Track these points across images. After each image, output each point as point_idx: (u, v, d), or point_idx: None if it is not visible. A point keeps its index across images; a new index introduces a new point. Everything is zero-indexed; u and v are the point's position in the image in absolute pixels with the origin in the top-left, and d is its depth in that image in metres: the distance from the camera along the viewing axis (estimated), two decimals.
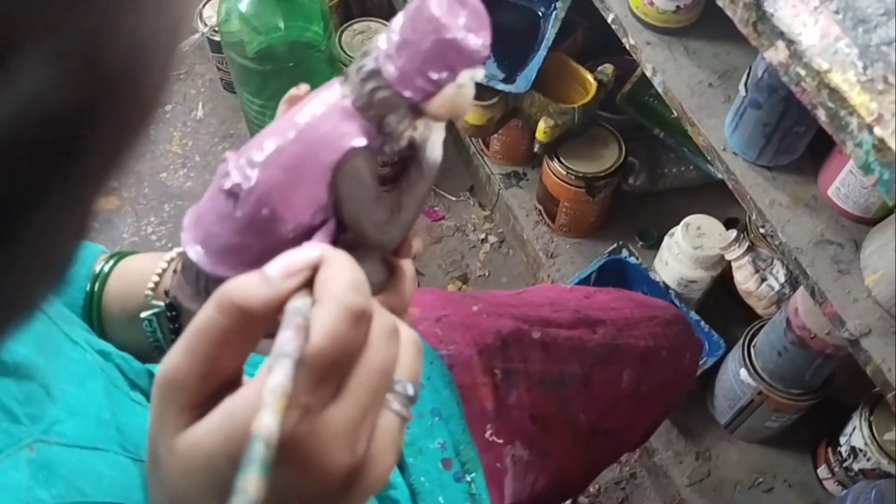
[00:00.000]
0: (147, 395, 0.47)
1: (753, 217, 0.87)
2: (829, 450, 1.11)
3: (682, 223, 1.18)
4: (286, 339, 0.27)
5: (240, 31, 1.36)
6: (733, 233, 1.12)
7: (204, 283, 0.37)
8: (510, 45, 1.31)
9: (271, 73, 1.43)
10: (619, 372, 0.71)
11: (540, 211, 1.39)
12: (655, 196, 1.38)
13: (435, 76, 0.34)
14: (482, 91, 1.24)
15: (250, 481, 0.23)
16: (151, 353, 0.49)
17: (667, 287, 1.22)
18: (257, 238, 0.35)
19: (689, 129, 0.93)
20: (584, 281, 1.24)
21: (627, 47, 1.00)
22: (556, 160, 1.26)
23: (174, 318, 0.47)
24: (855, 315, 0.80)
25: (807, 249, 0.83)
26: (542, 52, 1.21)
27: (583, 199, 1.28)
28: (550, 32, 1.23)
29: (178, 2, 0.20)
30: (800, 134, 0.85)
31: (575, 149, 1.27)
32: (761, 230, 0.91)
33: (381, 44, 0.35)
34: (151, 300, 0.47)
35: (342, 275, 0.29)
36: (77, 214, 0.21)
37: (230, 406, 0.28)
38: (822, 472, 1.14)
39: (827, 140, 0.84)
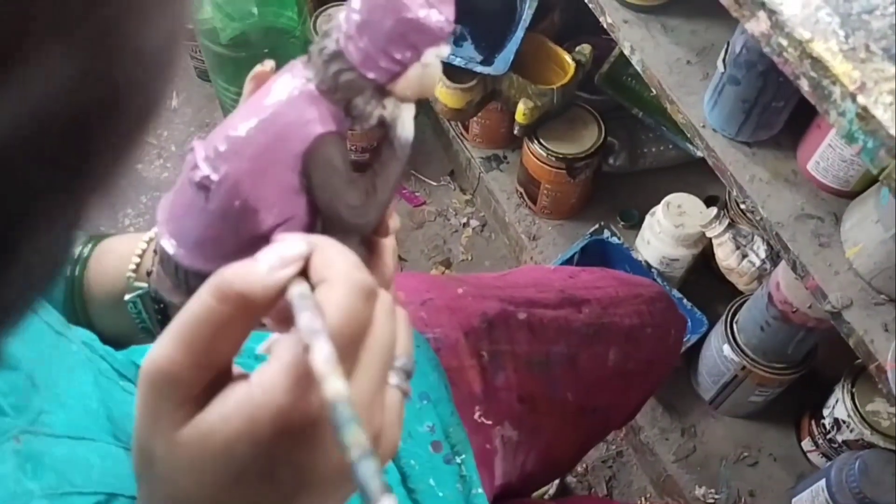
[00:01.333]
0: (135, 384, 0.46)
1: (734, 193, 0.87)
2: (813, 422, 1.13)
3: (662, 202, 1.19)
4: (310, 319, 0.27)
5: (213, 17, 1.34)
6: (713, 210, 1.12)
7: (183, 276, 0.36)
8: (487, 27, 1.30)
9: (246, 61, 1.41)
10: (606, 350, 0.71)
11: (521, 193, 1.38)
12: (635, 176, 1.39)
13: (399, 56, 0.33)
14: (460, 74, 1.24)
15: (356, 435, 0.25)
16: (138, 334, 0.48)
17: (649, 266, 1.23)
18: (231, 229, 0.35)
19: (669, 107, 0.93)
20: (567, 262, 1.25)
21: (605, 26, 1.00)
22: (535, 142, 1.25)
23: (158, 300, 0.46)
24: (836, 288, 0.80)
25: (787, 224, 0.84)
26: (519, 34, 1.20)
27: (563, 180, 1.28)
28: (527, 13, 1.22)
29: (181, 5, 0.19)
30: (778, 109, 0.85)
31: (554, 130, 1.27)
32: (742, 206, 0.91)
33: (342, 23, 0.34)
34: (134, 282, 0.46)
35: (341, 256, 0.29)
36: (77, 218, 0.20)
37: (246, 391, 0.28)
38: (807, 444, 1.15)
39: (805, 114, 0.85)
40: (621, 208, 1.39)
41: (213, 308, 0.28)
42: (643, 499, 1.24)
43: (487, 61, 1.23)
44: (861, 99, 0.47)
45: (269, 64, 0.39)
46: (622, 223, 1.37)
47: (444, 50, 0.34)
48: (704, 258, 1.23)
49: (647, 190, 1.36)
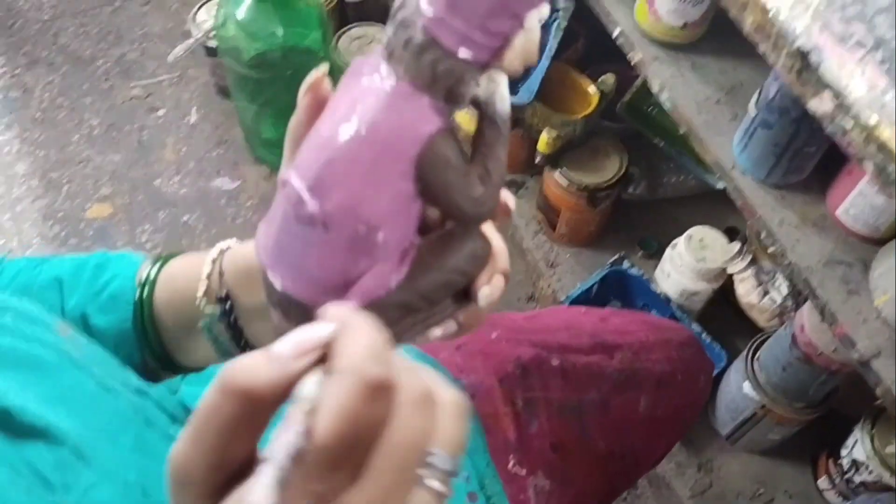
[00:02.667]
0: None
1: (763, 236, 0.87)
2: (831, 461, 1.12)
3: (685, 235, 1.19)
4: (279, 438, 0.25)
5: (235, 36, 1.34)
6: (736, 246, 1.12)
7: (313, 316, 0.34)
8: None
9: (268, 81, 1.41)
10: (637, 397, 0.71)
11: (540, 220, 1.38)
12: (655, 205, 1.39)
13: (500, 29, 0.30)
14: None
15: None
16: (218, 357, 0.48)
17: (668, 299, 1.23)
18: (358, 255, 0.32)
19: (697, 146, 0.93)
20: (587, 292, 1.25)
21: (634, 62, 1.00)
22: (557, 170, 1.25)
23: (232, 323, 0.46)
24: (865, 336, 0.80)
25: (816, 269, 0.84)
26: (544, 63, 1.21)
27: (584, 209, 1.28)
28: (552, 43, 1.22)
29: None
30: (810, 154, 0.85)
31: (576, 159, 1.27)
32: (771, 250, 0.91)
33: (425, 6, 0.30)
34: (205, 307, 0.46)
35: (360, 342, 0.26)
36: None
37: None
38: (823, 483, 1.15)
39: (835, 159, 0.85)
40: (640, 237, 1.39)
41: (220, 405, 0.26)
42: None
43: (512, 89, 1.23)
44: None
45: (323, 68, 0.36)
46: (641, 252, 1.37)
47: (545, 9, 0.31)
48: (723, 291, 1.23)
49: (666, 219, 1.36)
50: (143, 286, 0.47)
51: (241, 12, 1.33)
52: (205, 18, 1.56)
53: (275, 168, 1.58)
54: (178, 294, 0.47)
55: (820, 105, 0.53)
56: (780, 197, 0.88)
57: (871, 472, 1.04)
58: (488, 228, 0.37)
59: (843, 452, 1.09)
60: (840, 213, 0.85)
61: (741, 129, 0.88)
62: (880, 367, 0.79)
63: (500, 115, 0.33)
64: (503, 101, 0.33)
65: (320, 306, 0.31)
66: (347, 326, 0.27)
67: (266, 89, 1.46)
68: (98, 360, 0.43)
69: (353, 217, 0.31)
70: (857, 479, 1.07)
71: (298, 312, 0.34)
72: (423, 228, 0.34)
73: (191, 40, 1.54)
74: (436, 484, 0.27)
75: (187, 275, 0.47)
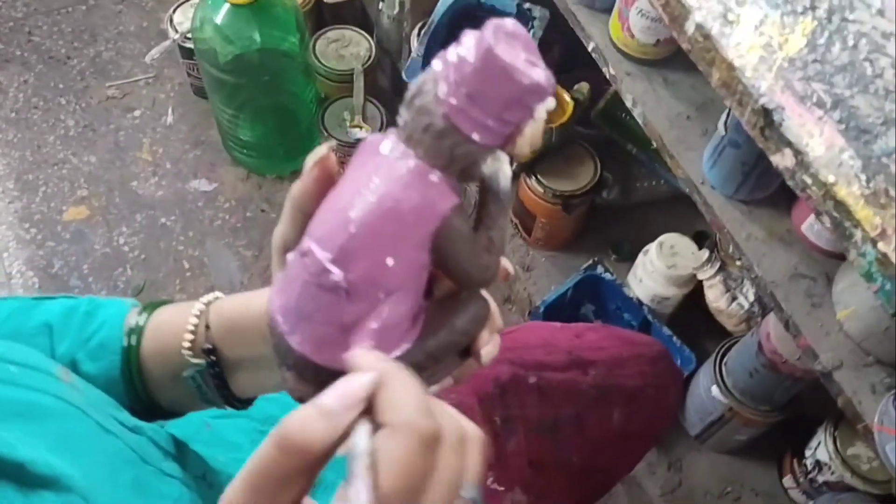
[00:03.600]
0: (177, 461, 0.48)
1: (730, 250, 0.90)
2: (795, 461, 1.16)
3: (656, 242, 1.22)
4: (350, 492, 0.28)
5: (212, 38, 1.34)
6: (706, 253, 1.16)
7: (329, 378, 0.35)
8: None
9: (244, 83, 1.42)
10: (610, 412, 0.74)
11: (516, 225, 1.41)
12: (628, 209, 1.42)
13: (514, 119, 0.33)
14: None
15: None
16: (198, 403, 0.50)
17: (640, 303, 1.26)
18: (375, 321, 0.35)
19: (669, 161, 0.96)
20: (562, 296, 1.27)
21: (608, 77, 1.02)
22: (533, 178, 1.28)
23: (217, 374, 0.48)
24: (827, 348, 0.83)
25: (781, 283, 0.87)
26: None
27: (559, 215, 1.30)
28: None
29: None
30: (776, 172, 0.88)
31: (551, 166, 1.29)
32: (738, 263, 0.94)
33: (446, 96, 0.33)
34: (191, 359, 0.48)
35: (408, 397, 0.29)
36: None
37: None
38: (788, 481, 1.19)
39: None
40: (613, 241, 1.42)
41: (276, 459, 0.28)
42: None
43: None
44: (882, 246, 0.50)
45: (331, 143, 0.40)
46: (614, 256, 1.40)
47: (551, 102, 0.34)
48: (694, 295, 1.26)
49: (639, 223, 1.39)
50: (130, 335, 0.49)
51: (219, 16, 1.33)
52: (181, 20, 1.55)
53: (252, 170, 1.59)
54: (165, 345, 0.48)
55: (782, 160, 0.56)
56: (747, 212, 0.91)
57: (833, 473, 1.09)
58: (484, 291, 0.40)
59: (808, 453, 1.13)
60: (805, 228, 0.88)
61: (710, 146, 0.91)
62: (842, 379, 0.82)
63: (502, 191, 0.37)
64: (506, 178, 0.37)
65: (336, 368, 0.34)
66: (387, 377, 0.30)
67: (242, 92, 1.46)
68: (96, 402, 0.45)
69: (375, 286, 0.34)
70: (820, 478, 1.11)
71: (314, 375, 0.37)
72: (427, 292, 0.37)
73: (167, 41, 1.54)
74: None
75: (174, 326, 0.48)
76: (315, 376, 0.37)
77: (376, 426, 0.30)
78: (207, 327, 0.47)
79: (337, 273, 0.34)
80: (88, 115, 1.65)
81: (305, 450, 0.28)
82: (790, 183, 0.58)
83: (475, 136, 0.33)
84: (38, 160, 1.59)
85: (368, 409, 0.31)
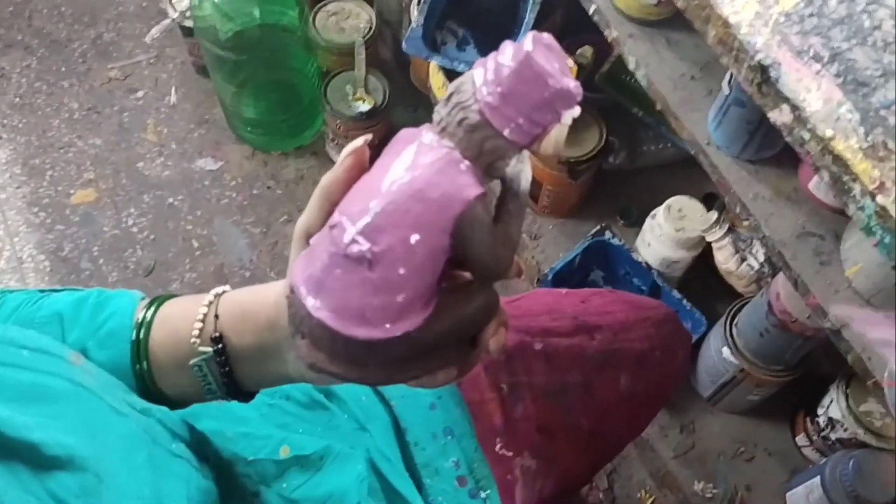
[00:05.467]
0: (186, 442, 0.49)
1: (737, 210, 0.89)
2: (808, 420, 1.16)
3: (663, 205, 1.21)
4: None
5: (211, 15, 1.34)
6: (714, 215, 1.15)
7: (342, 346, 0.39)
8: (490, 30, 1.31)
9: (245, 60, 1.41)
10: (617, 376, 0.74)
11: None
12: (635, 173, 1.41)
13: (543, 120, 0.36)
14: None
15: None
16: (204, 395, 0.50)
17: (649, 267, 1.25)
18: (392, 294, 0.37)
19: (673, 122, 0.95)
20: (570, 263, 1.27)
21: (610, 39, 1.01)
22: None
23: (223, 362, 0.48)
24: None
25: (789, 242, 0.86)
26: (521, 38, 1.21)
27: (565, 182, 1.30)
28: (530, 17, 1.23)
29: None
30: None
31: None
32: (745, 223, 0.93)
33: (483, 93, 0.36)
34: (199, 346, 0.48)
35: None
36: None
37: None
38: (801, 440, 1.20)
39: None
40: (621, 206, 1.41)
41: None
42: (643, 491, 1.28)
43: None
44: (880, 199, 0.50)
45: (367, 137, 0.42)
46: (622, 221, 1.39)
47: (577, 110, 0.37)
48: (703, 257, 1.26)
49: (646, 188, 1.38)
50: (139, 328, 0.49)
51: None
52: None
53: (257, 147, 1.59)
54: (173, 333, 0.49)
55: (779, 116, 0.55)
56: (753, 171, 0.90)
57: (846, 430, 1.09)
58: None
59: (820, 411, 1.13)
60: (812, 186, 0.87)
61: (715, 106, 0.90)
62: (851, 336, 0.82)
63: (522, 192, 0.40)
64: (527, 180, 0.40)
65: (351, 335, 0.38)
66: None
67: (244, 69, 1.46)
68: (107, 385, 0.45)
69: (397, 260, 0.37)
70: (833, 436, 1.11)
71: (329, 342, 0.39)
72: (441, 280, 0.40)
73: (167, 20, 1.54)
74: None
75: (183, 315, 0.49)
76: (330, 343, 0.39)
77: None
78: (216, 317, 0.48)
79: (364, 243, 0.37)
80: (92, 97, 1.65)
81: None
82: (788, 139, 0.58)
83: (506, 132, 0.36)
84: (44, 144, 1.59)
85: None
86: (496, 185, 0.41)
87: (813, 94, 0.53)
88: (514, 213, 0.40)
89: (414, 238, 0.37)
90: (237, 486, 0.54)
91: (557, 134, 0.37)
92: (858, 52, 0.55)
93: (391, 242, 0.37)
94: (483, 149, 0.37)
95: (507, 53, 0.36)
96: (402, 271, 0.37)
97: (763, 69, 0.56)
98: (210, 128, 1.62)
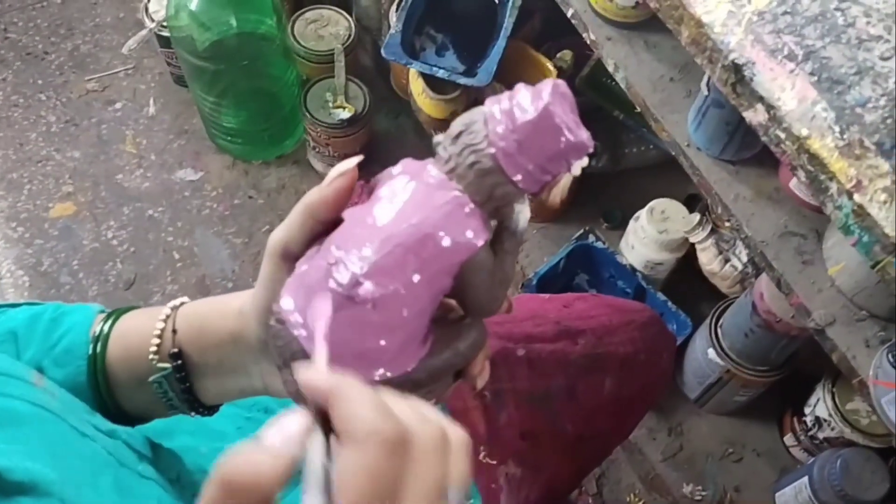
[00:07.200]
0: (152, 463, 0.48)
1: (719, 211, 0.89)
2: (795, 419, 1.16)
3: (646, 208, 1.21)
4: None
5: (188, 25, 1.32)
6: (696, 217, 1.15)
7: None
8: (468, 35, 1.30)
9: (223, 69, 1.40)
10: (602, 380, 0.73)
11: None
12: (618, 176, 1.40)
13: (555, 170, 0.37)
14: (443, 84, 1.24)
15: None
16: (164, 410, 0.49)
17: (633, 269, 1.25)
18: (393, 335, 0.37)
19: (653, 124, 0.94)
20: (554, 267, 1.27)
21: (588, 42, 1.01)
22: None
23: (184, 378, 0.47)
24: (820, 305, 0.83)
25: (772, 242, 0.86)
26: (501, 43, 1.21)
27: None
28: (508, 21, 1.22)
29: None
30: None
31: None
32: (727, 224, 0.93)
33: (496, 140, 0.36)
34: (157, 363, 0.47)
35: (364, 405, 0.28)
36: None
37: None
38: (789, 440, 1.19)
39: None
40: (604, 209, 1.40)
41: (224, 502, 0.27)
42: (633, 495, 1.28)
43: (470, 71, 1.24)
44: (857, 197, 0.49)
45: (357, 159, 0.40)
46: (605, 224, 1.39)
47: (586, 160, 0.37)
48: (688, 259, 1.25)
49: (629, 190, 1.38)
50: (95, 342, 0.48)
51: (193, 2, 1.30)
52: (157, 9, 1.53)
53: (237, 157, 1.58)
54: (131, 349, 0.48)
55: (755, 116, 0.54)
56: (734, 172, 0.90)
57: (833, 429, 1.09)
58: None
59: (807, 410, 1.13)
60: (793, 185, 0.87)
61: (694, 107, 0.89)
62: (835, 335, 0.82)
63: (520, 231, 0.40)
64: (525, 219, 0.40)
65: (348, 373, 0.34)
66: (339, 391, 0.28)
67: (223, 78, 1.44)
68: (71, 406, 0.44)
69: (401, 303, 0.36)
70: (821, 435, 1.11)
71: None
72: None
73: (144, 31, 1.52)
74: None
75: (140, 331, 0.47)
76: None
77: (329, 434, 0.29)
78: (174, 332, 0.47)
79: (368, 286, 0.36)
80: (70, 109, 1.63)
81: (248, 486, 0.27)
82: (764, 139, 0.57)
83: (517, 180, 0.36)
84: (22, 158, 1.57)
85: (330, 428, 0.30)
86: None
87: (787, 93, 0.53)
88: (510, 250, 0.39)
89: (418, 281, 0.36)
90: None
91: (566, 182, 0.37)
92: (832, 50, 0.55)
93: (396, 286, 0.36)
94: (492, 194, 0.37)
95: (524, 100, 0.36)
96: (404, 314, 0.36)
97: (737, 69, 0.56)
98: (189, 138, 1.60)
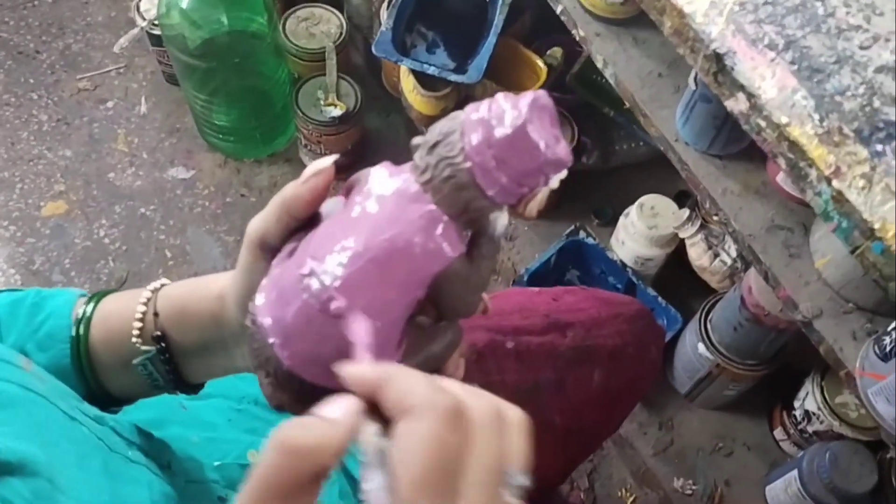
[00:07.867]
0: (142, 450, 0.48)
1: (707, 206, 0.90)
2: (784, 413, 1.17)
3: (636, 204, 1.21)
4: (367, 485, 0.28)
5: (180, 24, 1.33)
6: (686, 212, 1.15)
7: (310, 391, 0.37)
8: (459, 32, 1.31)
9: (215, 68, 1.40)
10: (590, 372, 0.74)
11: None
12: (608, 173, 1.41)
13: (532, 185, 0.36)
14: (434, 81, 1.25)
15: None
16: (149, 390, 0.49)
17: (624, 265, 1.26)
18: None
19: (642, 120, 0.95)
20: (545, 263, 1.27)
21: (577, 39, 1.01)
22: None
23: (168, 360, 0.48)
24: (807, 297, 0.84)
25: (759, 236, 0.87)
26: (491, 40, 1.21)
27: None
28: (499, 19, 1.23)
29: None
30: None
31: None
32: (715, 218, 0.94)
33: (473, 154, 0.35)
34: (140, 346, 0.47)
35: (416, 382, 0.28)
36: None
37: None
38: (779, 433, 1.20)
39: None
40: (595, 206, 1.41)
41: (281, 464, 0.27)
42: (624, 490, 1.28)
43: (461, 68, 1.24)
44: (836, 183, 0.50)
45: (334, 157, 0.40)
46: (596, 221, 1.40)
47: (565, 173, 0.37)
48: (678, 254, 1.26)
49: (620, 187, 1.38)
50: (77, 325, 0.48)
51: (185, 0, 1.31)
52: (148, 7, 1.53)
53: (229, 155, 1.58)
54: (113, 333, 0.48)
55: (736, 105, 0.55)
56: (722, 167, 0.90)
57: (822, 422, 1.09)
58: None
59: (796, 404, 1.14)
60: (780, 179, 0.88)
61: (682, 102, 0.90)
62: (822, 327, 0.82)
63: (497, 236, 0.39)
64: (502, 226, 0.39)
65: (320, 384, 0.36)
66: (387, 376, 0.29)
67: (214, 77, 1.44)
68: (59, 391, 0.44)
69: (374, 315, 0.36)
70: (810, 428, 1.12)
71: (295, 385, 0.38)
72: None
73: (135, 30, 1.52)
74: (515, 501, 0.29)
75: (122, 314, 0.48)
76: (298, 388, 0.38)
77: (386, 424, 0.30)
78: (156, 314, 0.47)
79: (342, 301, 0.35)
80: (61, 108, 1.63)
81: (308, 450, 0.27)
82: (746, 127, 0.58)
83: (492, 194, 0.35)
84: (13, 157, 1.57)
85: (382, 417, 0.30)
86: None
87: (768, 81, 0.54)
88: (487, 255, 0.39)
89: (392, 294, 0.36)
90: (203, 491, 0.53)
91: (544, 194, 0.37)
92: (812, 39, 0.55)
93: (369, 299, 0.36)
94: (468, 207, 0.36)
95: (502, 114, 0.35)
96: (378, 325, 0.36)
97: (718, 58, 0.56)
98: (181, 137, 1.60)
